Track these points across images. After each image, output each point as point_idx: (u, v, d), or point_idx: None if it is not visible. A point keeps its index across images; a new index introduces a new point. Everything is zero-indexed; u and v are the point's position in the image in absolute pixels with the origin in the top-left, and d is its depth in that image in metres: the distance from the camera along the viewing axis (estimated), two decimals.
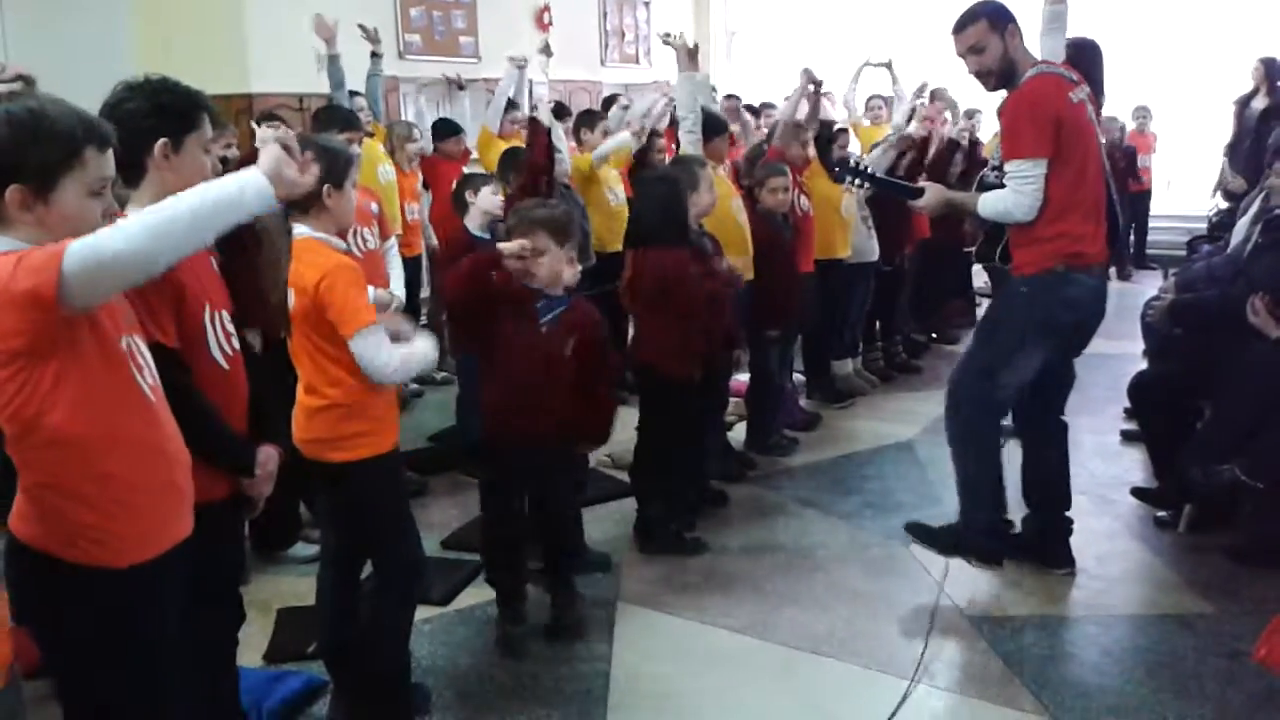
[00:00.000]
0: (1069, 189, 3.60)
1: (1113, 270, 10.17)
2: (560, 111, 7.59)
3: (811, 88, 5.81)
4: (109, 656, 2.04)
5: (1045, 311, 3.70)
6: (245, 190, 1.90)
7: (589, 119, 6.81)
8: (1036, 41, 3.90)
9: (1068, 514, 4.04)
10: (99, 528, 1.97)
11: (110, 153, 1.97)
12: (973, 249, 7.54)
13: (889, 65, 7.64)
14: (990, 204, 3.74)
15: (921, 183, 4.22)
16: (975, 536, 3.90)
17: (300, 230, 2.86)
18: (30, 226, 1.88)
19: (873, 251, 6.45)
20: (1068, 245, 3.63)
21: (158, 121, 2.31)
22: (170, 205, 1.84)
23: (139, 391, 2.03)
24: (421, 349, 2.92)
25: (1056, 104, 3.58)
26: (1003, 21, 3.65)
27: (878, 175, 4.66)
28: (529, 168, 5.11)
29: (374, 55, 6.89)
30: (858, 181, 4.34)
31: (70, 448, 1.92)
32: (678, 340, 4.17)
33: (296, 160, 2.02)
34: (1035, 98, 3.62)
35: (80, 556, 1.97)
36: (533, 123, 5.30)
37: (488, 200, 4.85)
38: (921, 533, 4.00)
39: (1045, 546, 4.02)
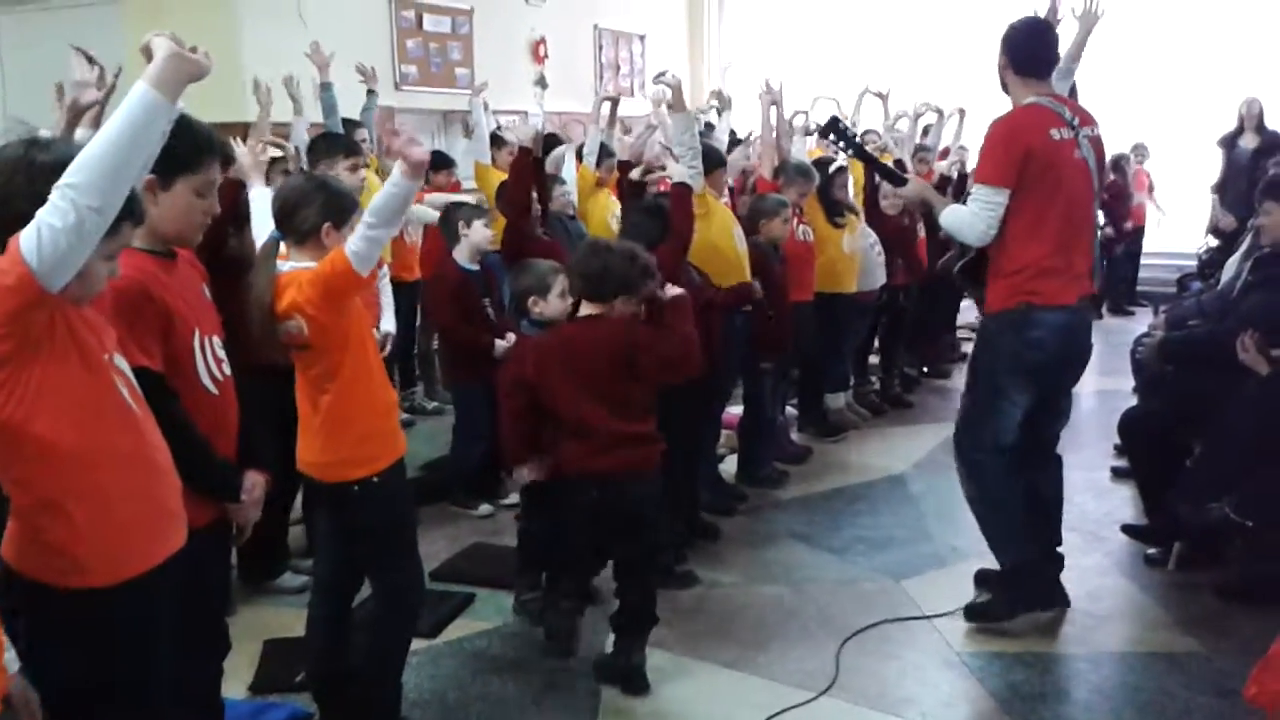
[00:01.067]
0: (1031, 224, 3.60)
1: (1106, 305, 10.26)
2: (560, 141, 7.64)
3: (771, 100, 5.92)
4: (99, 679, 2.03)
5: (1011, 351, 3.70)
6: (134, 105, 1.85)
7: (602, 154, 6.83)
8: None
9: (1059, 550, 4.03)
10: (84, 545, 1.96)
11: None
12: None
13: (884, 97, 7.69)
14: (948, 216, 3.77)
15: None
16: (1023, 584, 3.86)
17: (285, 266, 2.86)
18: None
19: (879, 279, 6.48)
20: (1027, 281, 3.63)
21: None
22: (91, 151, 1.81)
23: (124, 405, 2.03)
24: (391, 188, 2.66)
25: (1030, 137, 3.59)
26: (1001, 48, 3.74)
27: (863, 147, 4.58)
28: (510, 204, 5.08)
29: (370, 92, 6.96)
30: (833, 138, 4.36)
31: (55, 460, 1.92)
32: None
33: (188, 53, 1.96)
34: (1010, 128, 3.65)
35: (65, 580, 1.96)
36: (521, 153, 5.24)
37: (480, 234, 4.89)
38: (977, 612, 3.93)
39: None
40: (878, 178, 5.90)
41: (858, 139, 4.51)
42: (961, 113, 8.23)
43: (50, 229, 1.76)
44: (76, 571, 1.97)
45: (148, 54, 1.92)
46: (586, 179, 6.47)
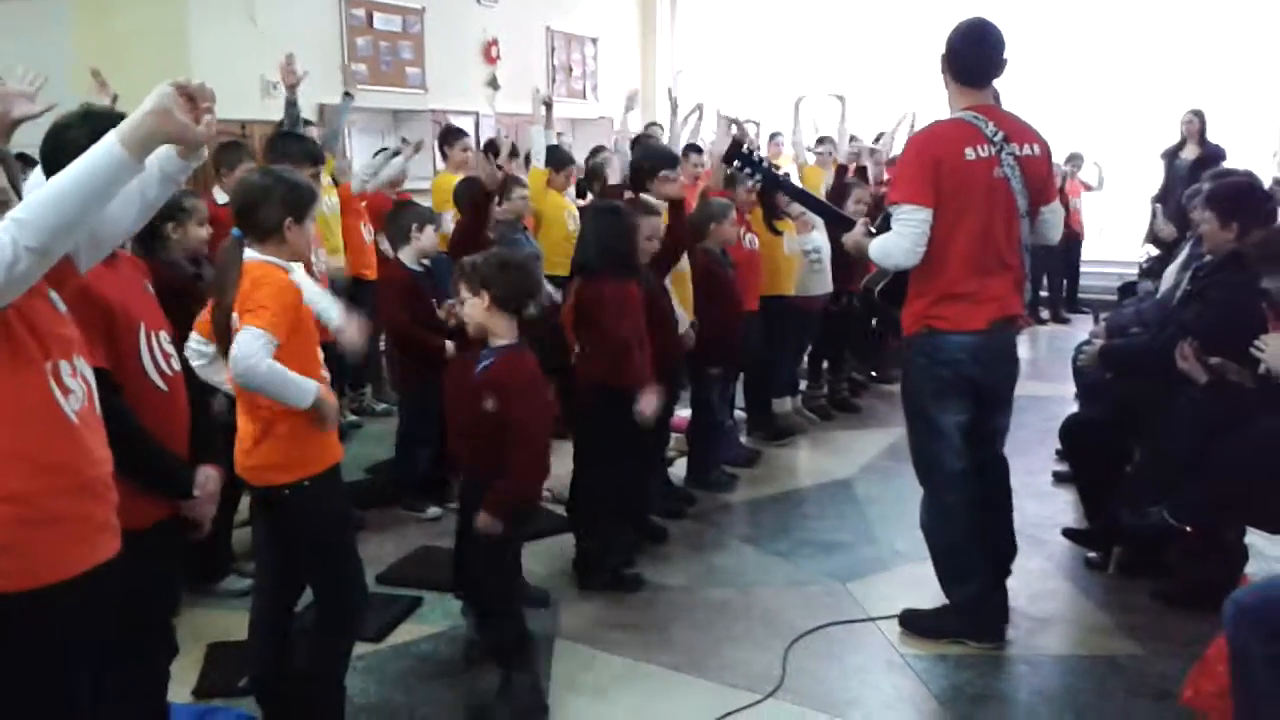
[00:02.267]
0: (937, 248, 3.54)
1: (1047, 313, 10.41)
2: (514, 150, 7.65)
3: (733, 126, 5.96)
4: (9, 688, 1.96)
5: (926, 374, 3.70)
6: (98, 158, 1.83)
7: (558, 157, 6.81)
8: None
9: (1009, 568, 4.03)
10: None
11: None
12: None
13: (841, 99, 7.66)
14: (875, 248, 3.71)
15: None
16: (966, 616, 3.82)
17: (252, 255, 2.86)
18: None
19: (820, 287, 6.49)
20: (930, 307, 3.62)
21: None
22: (45, 191, 1.79)
23: (58, 414, 1.96)
24: (302, 385, 2.77)
25: (940, 154, 3.52)
26: (942, 57, 3.67)
27: (772, 173, 4.56)
28: (458, 228, 4.94)
29: (346, 94, 6.82)
30: (738, 164, 4.38)
31: None
32: (624, 350, 4.13)
33: (200, 103, 1.92)
34: (921, 144, 3.62)
35: None
36: (485, 197, 4.82)
37: (430, 240, 4.87)
38: (912, 623, 3.93)
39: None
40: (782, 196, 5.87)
41: (764, 163, 4.49)
42: (913, 118, 8.24)
43: None
44: None
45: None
46: (537, 180, 6.46)
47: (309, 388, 2.78)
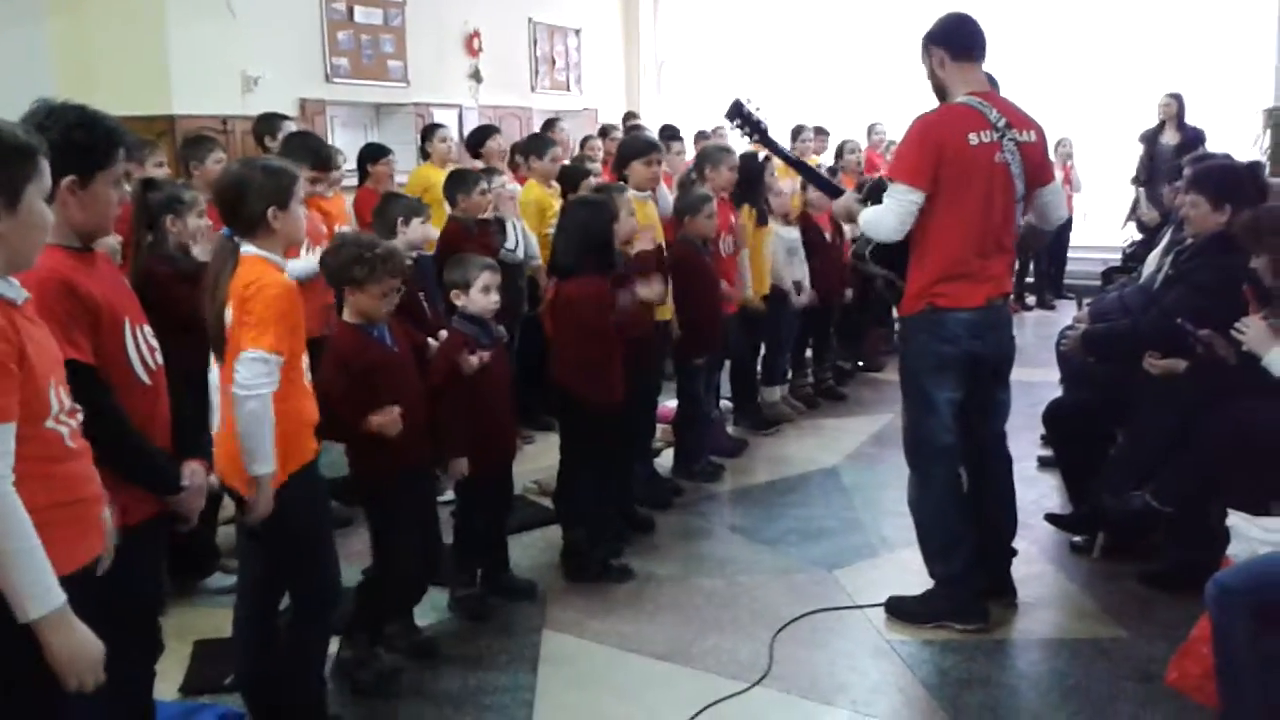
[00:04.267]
0: (940, 229, 3.62)
1: (1033, 299, 10.44)
2: (489, 133, 7.58)
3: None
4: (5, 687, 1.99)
5: (926, 350, 3.76)
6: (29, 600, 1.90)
7: (537, 144, 6.75)
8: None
9: (1014, 547, 4.06)
10: None
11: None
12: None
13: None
14: (865, 217, 3.80)
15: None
16: (950, 596, 3.84)
17: (247, 249, 2.85)
18: None
19: (802, 277, 6.50)
20: (932, 285, 3.68)
21: (66, 158, 2.26)
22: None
23: (56, 438, 2.01)
24: (266, 453, 2.78)
25: (943, 139, 3.59)
26: (932, 44, 3.74)
27: (769, 135, 4.59)
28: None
29: None
30: (738, 124, 4.44)
31: None
32: (593, 367, 4.16)
33: None
34: (925, 127, 3.66)
35: None
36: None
37: (417, 232, 4.73)
38: (897, 609, 3.94)
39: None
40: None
41: (763, 125, 4.52)
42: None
43: None
44: None
45: None
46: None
47: (267, 463, 2.78)
